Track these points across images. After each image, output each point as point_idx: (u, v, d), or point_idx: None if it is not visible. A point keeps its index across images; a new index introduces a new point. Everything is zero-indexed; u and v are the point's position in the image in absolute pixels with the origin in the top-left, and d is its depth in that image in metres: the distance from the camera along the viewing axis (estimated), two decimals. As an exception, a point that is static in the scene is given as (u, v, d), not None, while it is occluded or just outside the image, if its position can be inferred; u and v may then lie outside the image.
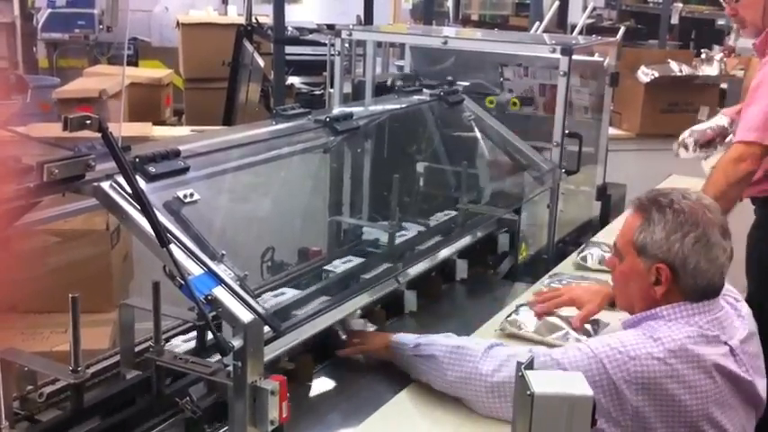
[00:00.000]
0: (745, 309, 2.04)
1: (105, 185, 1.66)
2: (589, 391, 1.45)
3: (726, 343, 1.89)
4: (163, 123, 5.46)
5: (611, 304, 2.25)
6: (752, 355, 1.95)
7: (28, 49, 8.77)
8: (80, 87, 5.12)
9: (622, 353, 1.81)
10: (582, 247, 2.93)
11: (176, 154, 1.82)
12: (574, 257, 2.89)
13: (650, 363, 1.80)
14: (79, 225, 3.33)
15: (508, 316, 2.34)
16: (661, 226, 1.90)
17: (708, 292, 1.91)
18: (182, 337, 2.02)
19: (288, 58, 5.37)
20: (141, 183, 1.68)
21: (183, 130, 4.86)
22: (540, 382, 1.45)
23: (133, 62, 8.33)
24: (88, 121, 1.49)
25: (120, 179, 1.62)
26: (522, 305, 2.37)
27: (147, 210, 1.55)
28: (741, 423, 1.92)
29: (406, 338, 2.09)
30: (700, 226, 1.88)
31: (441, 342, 2.01)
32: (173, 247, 1.59)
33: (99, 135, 1.53)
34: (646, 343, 1.83)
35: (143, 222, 1.60)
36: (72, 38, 8.74)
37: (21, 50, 8.72)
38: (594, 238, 3.05)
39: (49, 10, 8.87)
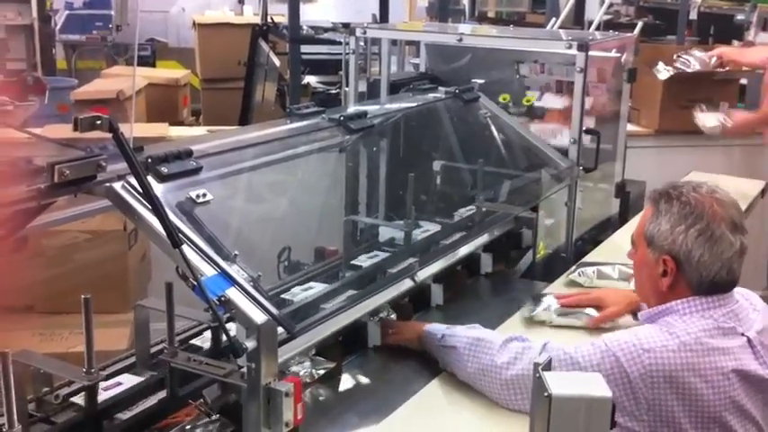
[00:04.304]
0: (760, 303, 2.03)
1: (117, 186, 1.65)
2: (608, 392, 1.43)
3: (743, 334, 1.88)
4: (180, 124, 5.46)
5: (635, 313, 2.26)
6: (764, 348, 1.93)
7: (46, 50, 8.79)
8: (97, 88, 5.13)
9: (636, 346, 1.80)
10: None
11: (189, 154, 1.81)
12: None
13: (665, 355, 1.79)
14: (96, 226, 3.34)
15: (535, 303, 2.39)
16: (667, 218, 1.91)
17: (715, 286, 1.89)
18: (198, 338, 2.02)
19: (304, 57, 5.35)
20: (153, 183, 1.67)
21: (200, 131, 4.84)
22: (558, 384, 1.42)
23: (150, 63, 8.35)
24: (99, 122, 1.49)
25: (133, 180, 1.61)
26: (544, 295, 2.43)
27: (158, 210, 1.54)
28: (763, 416, 1.91)
29: (436, 329, 2.12)
30: (704, 219, 1.87)
31: (462, 334, 2.04)
32: (185, 247, 1.58)
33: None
34: (660, 336, 1.83)
35: (155, 223, 1.59)
36: (89, 39, 8.78)
37: (39, 52, 8.76)
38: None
39: (67, 12, 8.92)
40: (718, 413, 1.81)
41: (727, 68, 4.25)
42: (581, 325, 2.33)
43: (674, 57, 4.25)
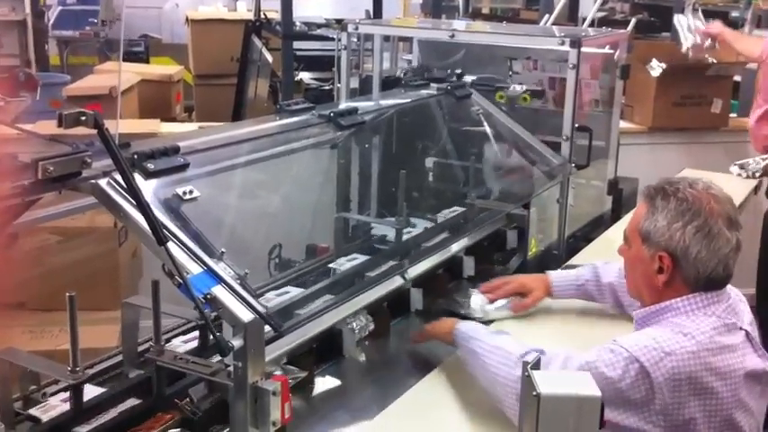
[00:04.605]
0: (741, 294, 2.01)
1: (103, 183, 1.64)
2: (597, 392, 1.42)
3: (741, 328, 1.88)
4: (174, 120, 5.44)
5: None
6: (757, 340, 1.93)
7: (39, 46, 8.77)
8: (90, 84, 5.10)
9: (657, 350, 1.77)
10: None
11: (176, 150, 1.79)
12: None
13: (686, 357, 1.77)
14: (86, 223, 3.32)
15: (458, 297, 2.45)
16: (664, 214, 1.88)
17: (712, 282, 1.88)
18: (185, 337, 2.00)
19: (298, 53, 5.32)
20: (139, 180, 1.66)
21: (192, 127, 4.83)
22: (547, 383, 1.41)
23: (144, 59, 8.31)
24: (83, 118, 1.47)
25: (119, 176, 1.60)
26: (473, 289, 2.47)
27: (143, 207, 1.52)
28: (757, 408, 1.90)
29: (466, 327, 2.08)
30: (702, 215, 1.86)
31: (485, 339, 1.99)
32: (171, 245, 1.57)
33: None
34: (677, 338, 1.80)
35: (141, 220, 1.57)
36: (82, 35, 8.75)
37: (32, 48, 8.73)
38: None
39: (60, 7, 8.90)
40: (730, 411, 1.80)
41: (715, 53, 4.21)
42: (510, 314, 2.41)
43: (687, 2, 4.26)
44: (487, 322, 2.36)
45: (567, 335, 2.33)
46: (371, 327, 2.19)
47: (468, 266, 2.69)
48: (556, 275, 2.47)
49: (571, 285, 2.44)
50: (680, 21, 4.34)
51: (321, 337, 2.05)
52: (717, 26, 4.28)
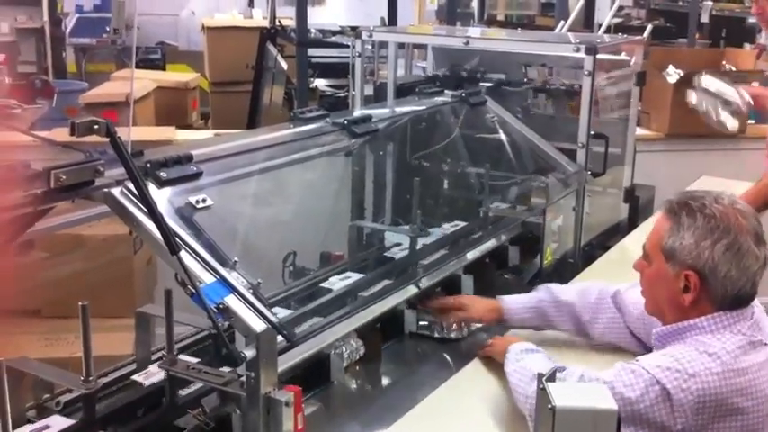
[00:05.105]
0: (761, 306, 1.97)
1: (116, 191, 1.63)
2: (613, 405, 1.40)
3: (766, 344, 1.83)
4: (190, 127, 5.46)
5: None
6: None
7: (57, 54, 8.82)
8: (106, 92, 5.12)
9: (680, 371, 1.74)
10: None
11: (189, 159, 1.79)
12: None
13: (711, 379, 1.73)
14: (102, 230, 3.32)
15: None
16: (691, 231, 1.82)
17: (738, 300, 1.84)
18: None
19: (314, 60, 5.34)
20: (152, 188, 1.65)
21: (208, 134, 4.84)
22: (562, 395, 1.39)
23: (161, 66, 8.35)
24: (96, 126, 1.46)
25: (131, 185, 1.59)
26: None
27: (155, 216, 1.52)
28: None
29: (511, 348, 2.05)
30: (731, 233, 1.80)
31: (511, 360, 1.99)
32: (184, 254, 1.56)
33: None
34: (701, 359, 1.76)
35: (154, 229, 1.56)
36: (99, 42, 8.80)
37: (50, 56, 8.78)
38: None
39: (77, 15, 8.95)
40: (763, 426, 1.77)
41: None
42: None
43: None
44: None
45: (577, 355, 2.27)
46: (362, 351, 2.13)
47: (467, 285, 2.57)
48: (508, 299, 2.37)
49: (524, 307, 2.33)
50: (709, 89, 3.87)
51: (307, 362, 1.96)
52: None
